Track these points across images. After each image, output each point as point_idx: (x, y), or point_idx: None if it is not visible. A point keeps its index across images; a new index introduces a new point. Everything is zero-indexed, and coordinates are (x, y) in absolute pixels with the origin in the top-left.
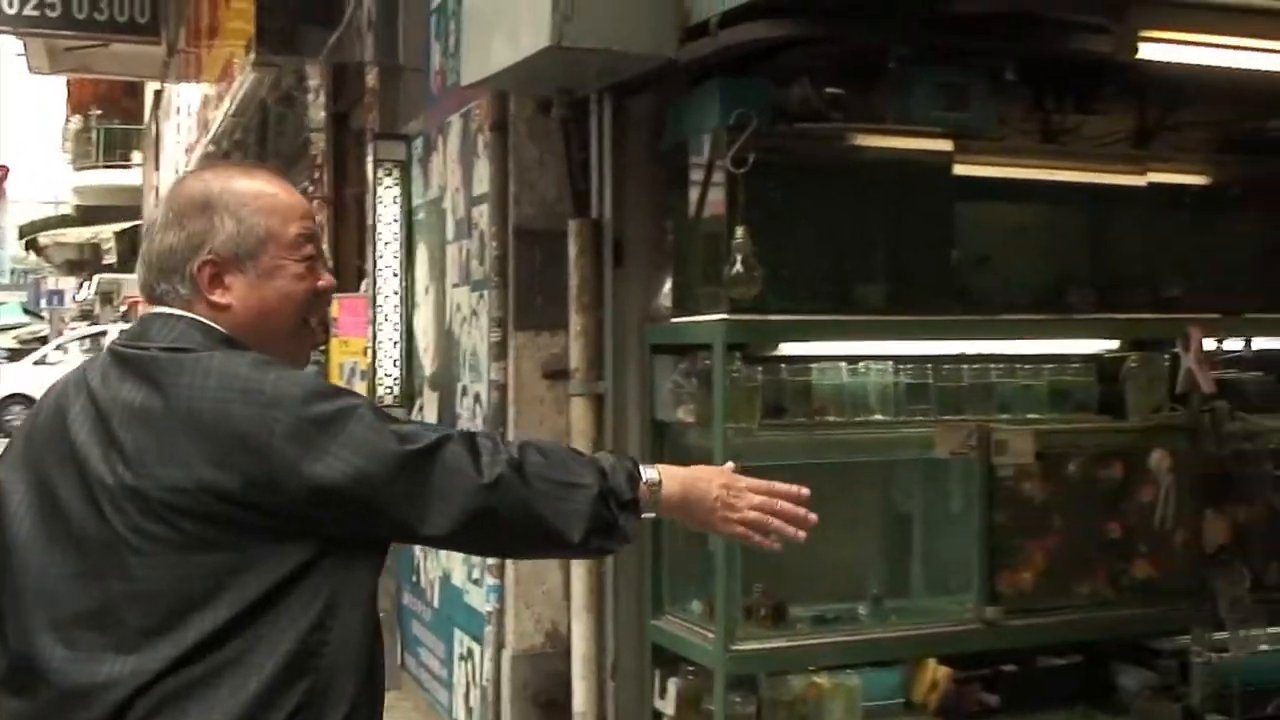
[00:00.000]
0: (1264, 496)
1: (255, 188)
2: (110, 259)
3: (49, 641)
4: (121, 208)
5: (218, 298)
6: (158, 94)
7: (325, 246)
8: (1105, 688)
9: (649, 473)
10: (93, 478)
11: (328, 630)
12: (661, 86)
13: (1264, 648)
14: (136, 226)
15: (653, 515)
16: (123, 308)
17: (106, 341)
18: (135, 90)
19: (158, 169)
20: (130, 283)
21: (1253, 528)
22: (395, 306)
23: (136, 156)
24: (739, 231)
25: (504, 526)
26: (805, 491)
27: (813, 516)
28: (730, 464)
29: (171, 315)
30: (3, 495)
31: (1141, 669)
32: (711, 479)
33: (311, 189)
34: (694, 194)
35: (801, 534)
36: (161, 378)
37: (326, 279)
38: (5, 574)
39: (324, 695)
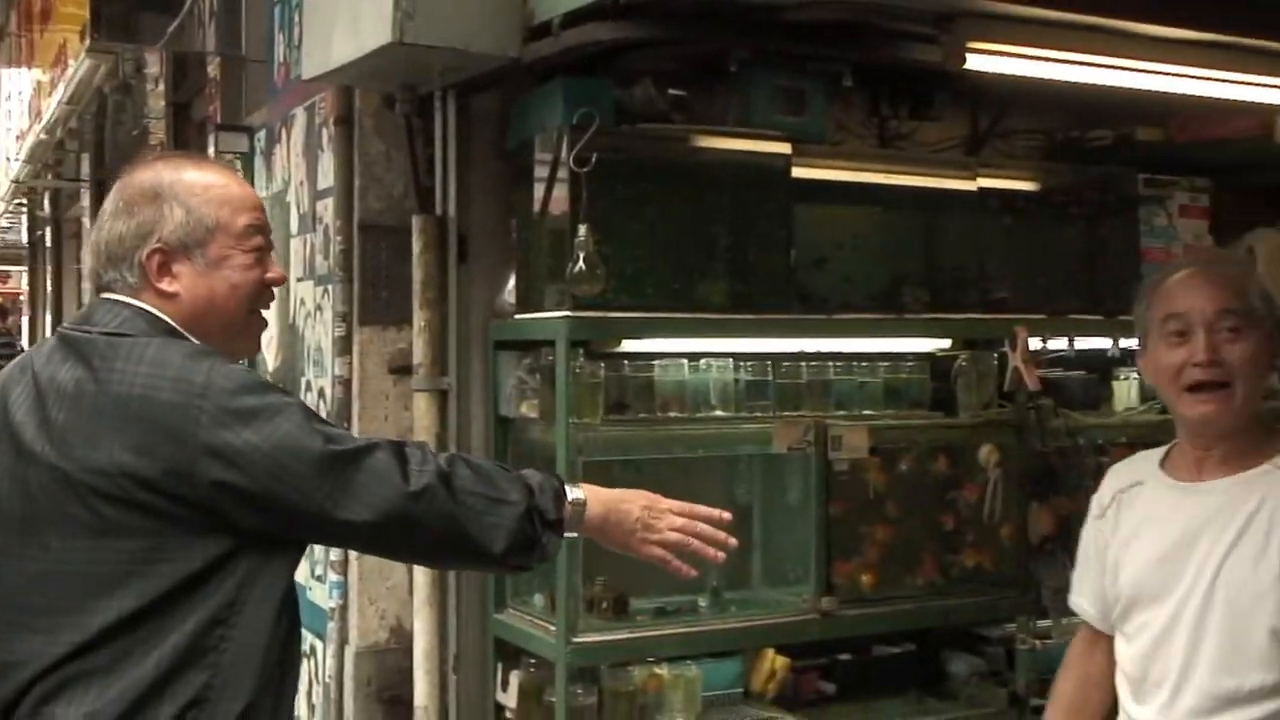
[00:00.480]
0: (1085, 490)
1: (206, 179)
2: None
3: None
4: None
5: (165, 286)
6: None
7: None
8: (936, 674)
9: (574, 492)
10: (24, 455)
11: (231, 626)
12: (506, 85)
13: None
14: None
15: (574, 535)
16: None
17: None
18: None
19: None
20: None
21: (1075, 520)
22: None
23: None
24: (581, 229)
25: (425, 536)
26: (727, 515)
27: (732, 540)
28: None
29: (119, 302)
30: None
31: (970, 656)
32: (634, 501)
33: None
34: (538, 192)
35: (721, 556)
36: (96, 361)
37: (275, 270)
38: None
39: (221, 689)
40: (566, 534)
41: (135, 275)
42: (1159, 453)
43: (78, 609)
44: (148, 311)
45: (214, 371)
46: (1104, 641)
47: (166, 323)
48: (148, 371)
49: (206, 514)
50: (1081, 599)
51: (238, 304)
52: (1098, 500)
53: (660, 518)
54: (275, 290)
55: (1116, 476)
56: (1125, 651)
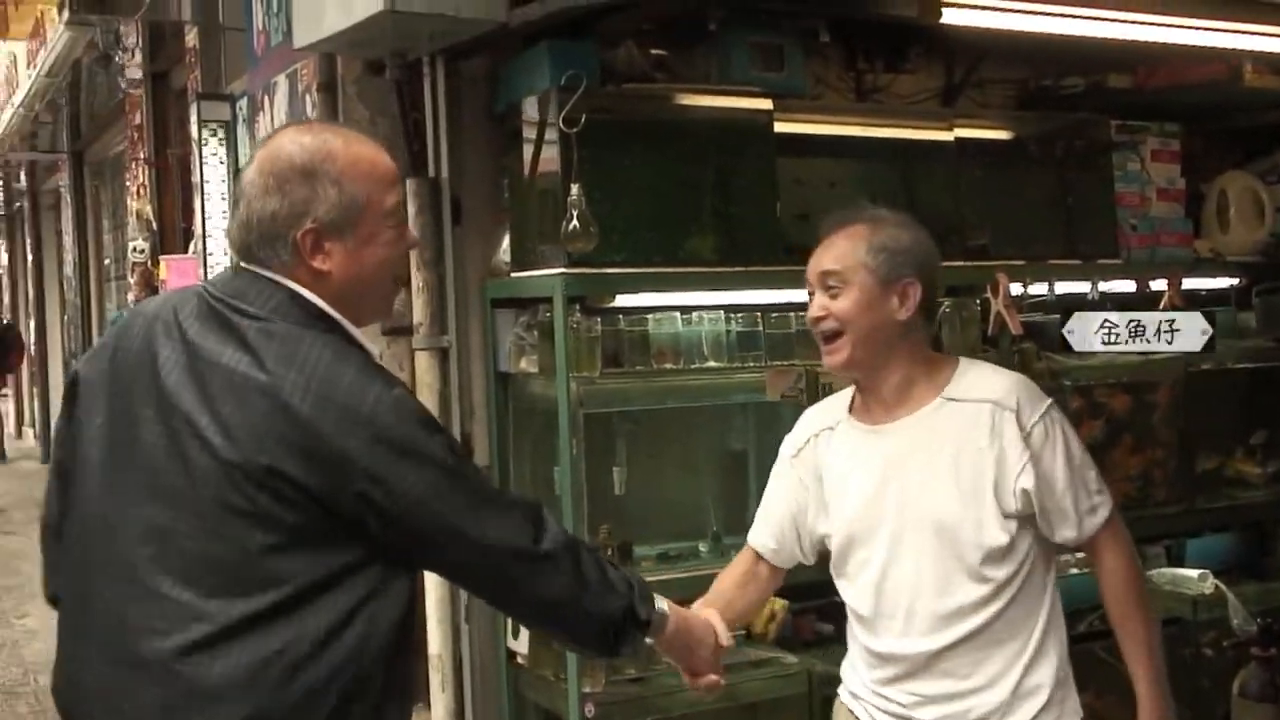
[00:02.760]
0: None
1: (354, 153)
2: None
3: (99, 575)
4: None
5: (319, 264)
6: None
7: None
8: None
9: (660, 604)
10: (183, 433)
11: (353, 629)
12: (493, 49)
13: (1074, 571)
14: None
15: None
16: None
17: None
18: None
19: None
20: None
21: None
22: (226, 268)
23: None
24: (574, 189)
25: (540, 592)
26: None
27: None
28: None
29: (271, 281)
30: (82, 411)
31: None
32: (705, 636)
33: (130, 150)
34: (528, 153)
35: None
36: (266, 358)
37: (412, 237)
38: (70, 488)
39: (357, 689)
40: (648, 639)
41: (289, 253)
42: (843, 399)
43: (216, 591)
44: (300, 296)
45: (380, 401)
46: (764, 567)
47: (320, 307)
48: (318, 390)
49: (349, 522)
50: (761, 534)
51: (383, 277)
52: (792, 443)
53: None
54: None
55: (810, 421)
56: (851, 592)
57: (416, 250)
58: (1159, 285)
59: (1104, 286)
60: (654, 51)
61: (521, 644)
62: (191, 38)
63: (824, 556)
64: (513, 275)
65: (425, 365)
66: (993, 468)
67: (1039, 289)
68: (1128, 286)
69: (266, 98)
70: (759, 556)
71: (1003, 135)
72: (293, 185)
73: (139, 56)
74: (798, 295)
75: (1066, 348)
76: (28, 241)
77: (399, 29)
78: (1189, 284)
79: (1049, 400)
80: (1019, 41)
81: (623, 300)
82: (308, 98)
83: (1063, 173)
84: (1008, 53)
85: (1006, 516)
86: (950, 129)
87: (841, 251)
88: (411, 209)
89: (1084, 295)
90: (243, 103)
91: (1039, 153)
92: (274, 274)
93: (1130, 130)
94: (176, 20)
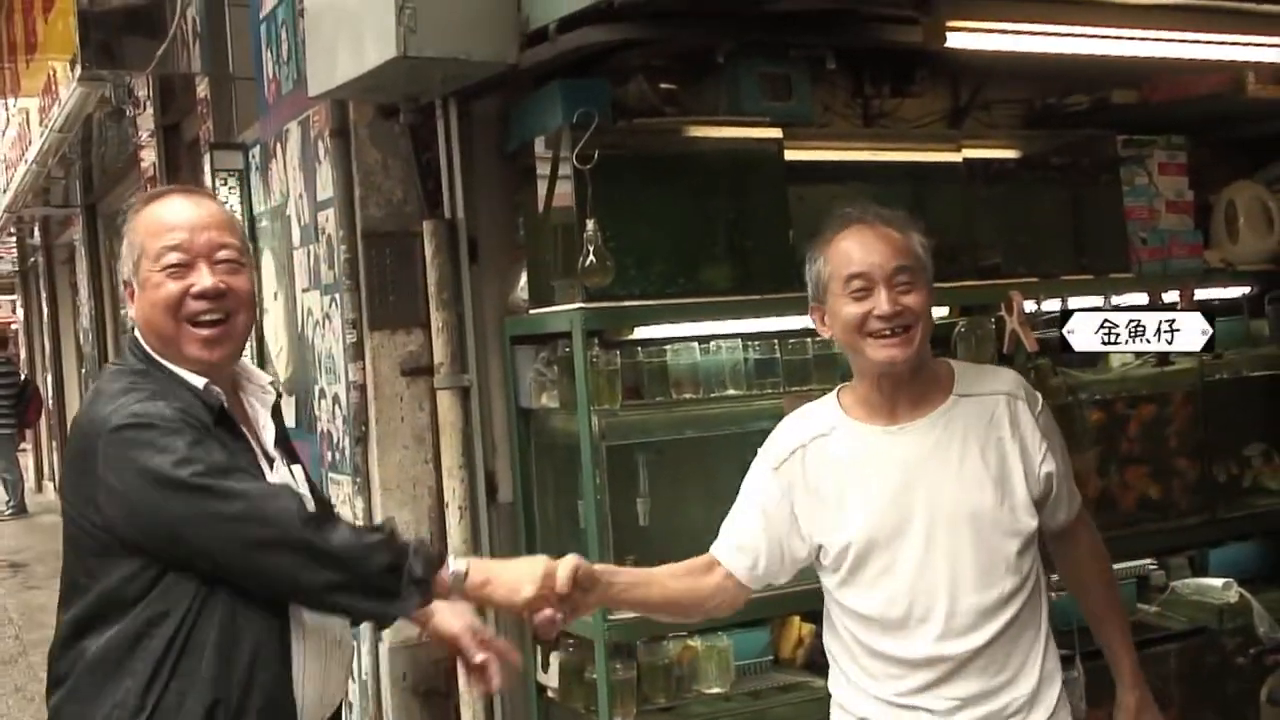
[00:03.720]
0: (1088, 443)
1: (146, 209)
2: None
3: None
4: None
5: (132, 312)
6: None
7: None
8: None
9: (458, 564)
10: None
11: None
12: (504, 89)
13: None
14: None
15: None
16: None
17: None
18: None
19: None
20: None
21: (1080, 474)
22: None
23: None
24: (589, 224)
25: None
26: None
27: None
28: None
29: (129, 338)
30: None
31: None
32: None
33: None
34: (542, 190)
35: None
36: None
37: (191, 278)
38: None
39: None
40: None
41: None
42: (830, 404)
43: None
44: (134, 337)
45: (117, 411)
46: (724, 575)
47: (139, 345)
48: (83, 409)
49: (112, 538)
50: (734, 551)
51: (161, 317)
52: (773, 455)
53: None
54: (209, 299)
55: (793, 431)
56: (869, 600)
57: (435, 289)
58: (1171, 297)
59: (1117, 300)
60: (664, 86)
61: (552, 677)
62: (203, 89)
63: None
64: (531, 312)
65: (447, 404)
66: (1019, 456)
67: (1052, 305)
68: (1140, 299)
69: (279, 145)
70: (717, 566)
71: (1010, 154)
72: (123, 242)
73: (150, 109)
74: (810, 321)
75: (1082, 363)
76: (43, 296)
77: (412, 74)
78: (1201, 294)
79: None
80: (1023, 62)
81: (641, 332)
82: (320, 143)
83: (1072, 189)
84: (1012, 73)
85: (1034, 503)
86: (958, 150)
87: (904, 247)
88: (428, 249)
89: (1097, 309)
90: (255, 151)
91: (1047, 170)
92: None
93: (1137, 145)
94: (187, 73)
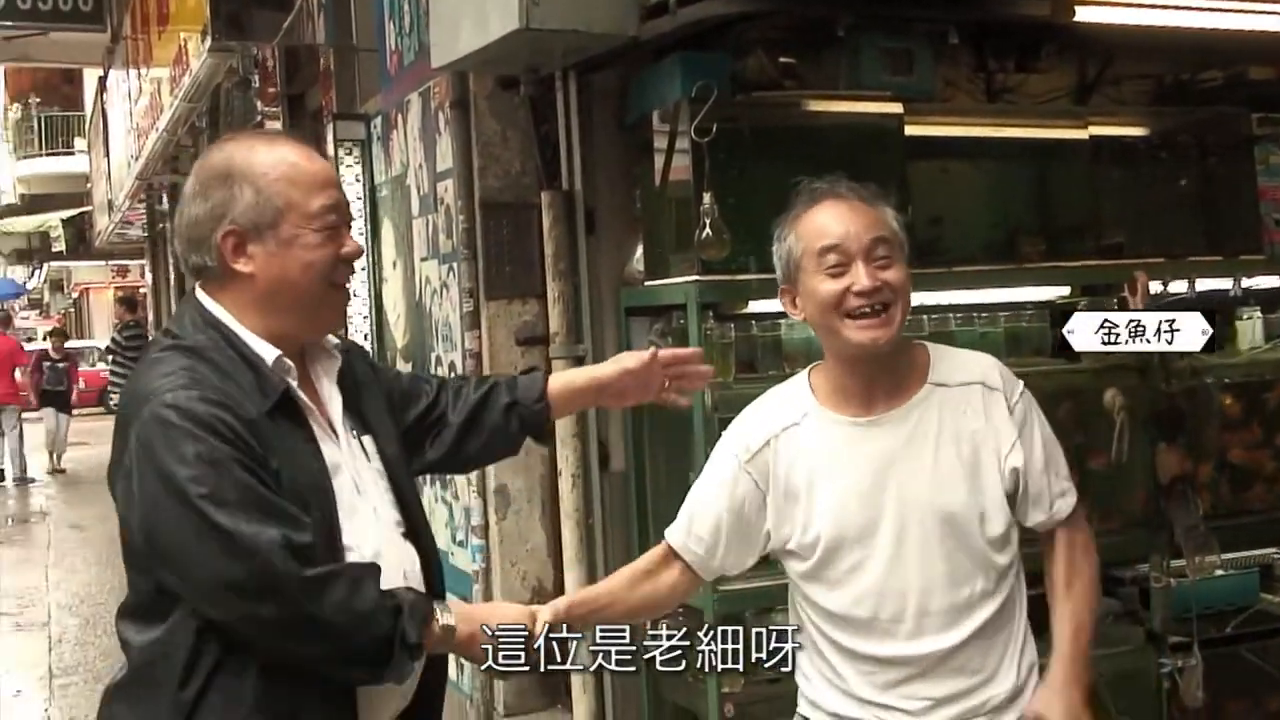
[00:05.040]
0: (1212, 429)
1: (275, 157)
2: (59, 247)
3: None
4: (67, 195)
5: (241, 267)
6: (101, 80)
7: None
8: None
9: (446, 618)
10: None
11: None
12: (624, 62)
13: (1219, 572)
14: (84, 213)
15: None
16: (74, 295)
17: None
18: (73, 77)
19: (107, 156)
20: (80, 270)
21: (1203, 459)
22: (363, 282)
23: (79, 143)
24: (706, 197)
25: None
26: None
27: None
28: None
29: (187, 297)
30: None
31: (1105, 597)
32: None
33: None
34: (660, 163)
35: None
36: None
37: (351, 244)
38: None
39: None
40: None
41: (214, 257)
42: (800, 388)
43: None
44: (199, 305)
45: (161, 392)
46: (680, 569)
47: (212, 315)
48: (134, 378)
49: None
50: (688, 537)
51: (310, 281)
52: (741, 443)
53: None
54: (355, 263)
55: (766, 418)
56: (838, 597)
57: (552, 260)
58: None
59: (1247, 283)
60: (783, 59)
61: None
62: (327, 60)
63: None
64: (646, 284)
65: None
66: (991, 450)
67: (1178, 287)
68: (1272, 282)
69: (400, 116)
70: (674, 557)
71: (1138, 132)
72: (213, 189)
73: (276, 80)
74: (929, 297)
75: (1209, 346)
76: (171, 261)
77: (533, 46)
78: None
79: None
80: (1154, 36)
81: (756, 306)
82: (440, 115)
83: (1202, 168)
84: (1142, 48)
85: (1005, 497)
86: (1084, 127)
87: (878, 219)
88: (546, 221)
89: (1226, 292)
90: (377, 121)
91: (1177, 149)
92: (200, 288)
93: (1273, 123)
94: (312, 44)
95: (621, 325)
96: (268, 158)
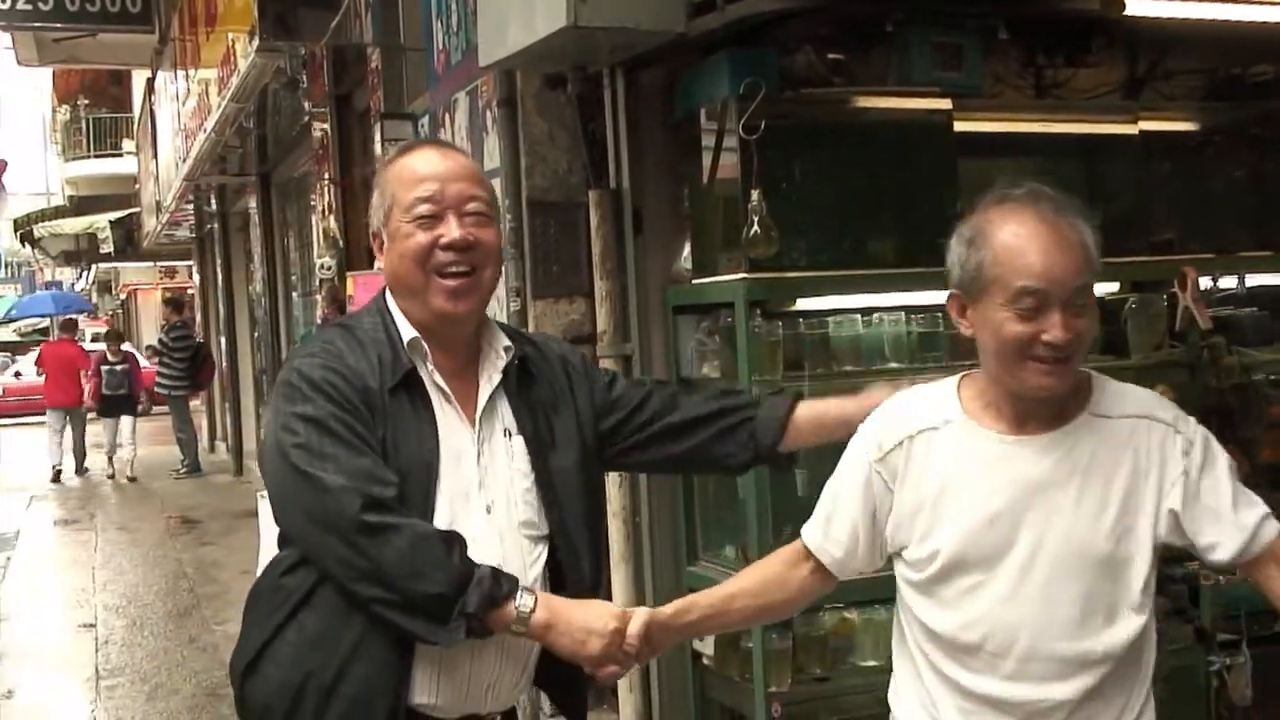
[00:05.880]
0: (1263, 425)
1: (399, 161)
2: (107, 248)
3: None
4: (115, 196)
5: (381, 262)
6: (149, 81)
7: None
8: None
9: (524, 600)
10: None
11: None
12: (671, 59)
13: None
14: (132, 214)
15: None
16: (121, 296)
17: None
18: (121, 78)
19: (155, 157)
20: (127, 271)
21: (1255, 456)
22: None
23: (127, 145)
24: (754, 195)
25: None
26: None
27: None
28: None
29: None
30: None
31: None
32: (594, 626)
33: (316, 170)
34: (708, 160)
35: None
36: None
37: (452, 232)
38: None
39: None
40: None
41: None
42: (948, 393)
43: None
44: (382, 291)
45: (294, 357)
46: (812, 569)
47: (384, 301)
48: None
49: None
50: (826, 538)
51: (408, 269)
52: (874, 440)
53: (616, 654)
54: (458, 250)
55: (904, 418)
56: (945, 618)
57: (599, 259)
58: None
59: None
60: (831, 56)
61: (707, 645)
62: (374, 59)
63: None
64: (694, 282)
65: None
66: (1152, 491)
67: (1229, 282)
68: None
69: (447, 114)
70: (809, 557)
71: (1189, 127)
72: (373, 194)
73: (324, 80)
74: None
75: (1258, 341)
76: (218, 262)
77: (581, 43)
78: None
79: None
80: (1205, 30)
81: (803, 304)
82: (488, 113)
83: (1253, 163)
84: (1193, 42)
85: (1154, 548)
86: (1135, 122)
87: (1086, 257)
88: (594, 219)
89: (1277, 288)
90: (424, 120)
91: (1228, 144)
92: None
93: None
94: (359, 43)
95: (669, 324)
96: (396, 160)
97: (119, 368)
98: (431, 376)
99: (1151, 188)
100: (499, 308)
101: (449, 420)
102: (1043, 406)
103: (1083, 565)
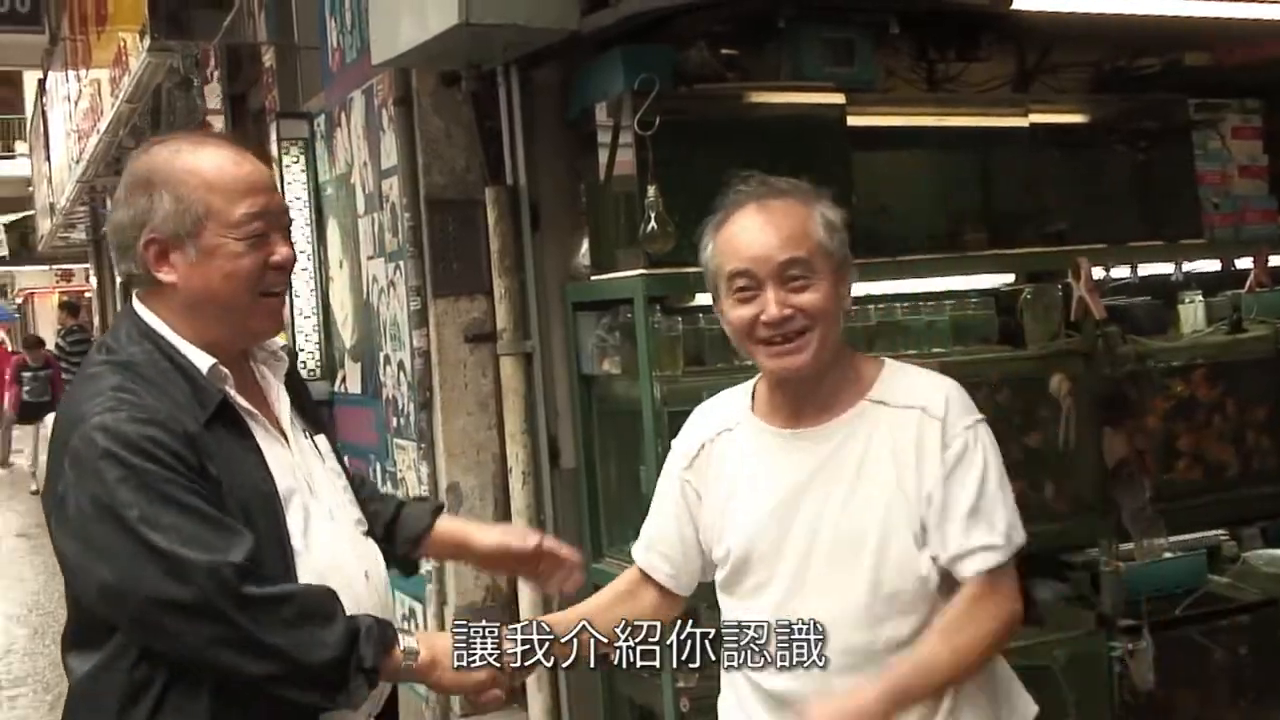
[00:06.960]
0: (1156, 413)
1: (197, 161)
2: (1, 251)
3: None
4: (8, 199)
5: (164, 275)
6: (40, 82)
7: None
8: (1024, 601)
9: (408, 642)
10: None
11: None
12: (566, 56)
13: (1167, 555)
14: (26, 217)
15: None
16: (17, 300)
17: None
18: (13, 79)
19: (48, 159)
20: (23, 275)
21: (1149, 442)
22: (308, 282)
23: (20, 146)
24: (650, 190)
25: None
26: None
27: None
28: None
29: (124, 307)
30: None
31: (1055, 581)
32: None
33: None
34: (604, 157)
35: None
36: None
37: (282, 251)
38: None
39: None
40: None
41: (139, 266)
42: (744, 393)
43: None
44: (136, 316)
45: (91, 416)
46: (654, 588)
47: (148, 326)
48: (67, 399)
49: None
50: (651, 554)
51: (235, 291)
52: (680, 450)
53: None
54: (286, 271)
55: (703, 424)
56: (738, 615)
57: (498, 256)
58: (1244, 264)
59: (1188, 267)
60: (725, 51)
61: None
62: (268, 58)
63: None
64: (593, 278)
65: (510, 370)
66: (915, 482)
67: (1121, 272)
68: (1213, 266)
69: (343, 113)
70: (646, 578)
71: (1078, 119)
72: (136, 195)
73: (217, 79)
74: (871, 288)
75: (1152, 330)
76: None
77: (474, 41)
78: (1276, 260)
79: (979, 415)
80: (1092, 24)
81: (702, 299)
82: (384, 112)
83: (1142, 154)
84: (1080, 36)
85: (929, 541)
86: (1025, 115)
87: (794, 233)
88: (491, 217)
89: (1168, 276)
90: (320, 120)
91: (1116, 135)
92: (134, 298)
93: (1209, 109)
94: (253, 42)
95: (569, 320)
96: (190, 162)
97: (41, 373)
98: (236, 400)
99: (1043, 179)
100: (399, 306)
101: (267, 440)
102: (812, 396)
103: (859, 553)
